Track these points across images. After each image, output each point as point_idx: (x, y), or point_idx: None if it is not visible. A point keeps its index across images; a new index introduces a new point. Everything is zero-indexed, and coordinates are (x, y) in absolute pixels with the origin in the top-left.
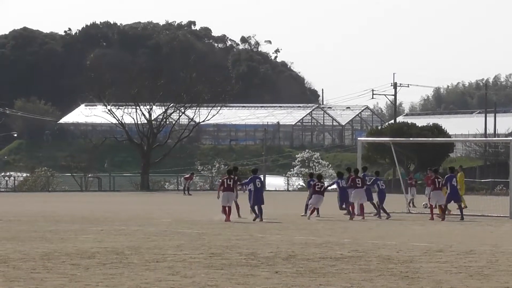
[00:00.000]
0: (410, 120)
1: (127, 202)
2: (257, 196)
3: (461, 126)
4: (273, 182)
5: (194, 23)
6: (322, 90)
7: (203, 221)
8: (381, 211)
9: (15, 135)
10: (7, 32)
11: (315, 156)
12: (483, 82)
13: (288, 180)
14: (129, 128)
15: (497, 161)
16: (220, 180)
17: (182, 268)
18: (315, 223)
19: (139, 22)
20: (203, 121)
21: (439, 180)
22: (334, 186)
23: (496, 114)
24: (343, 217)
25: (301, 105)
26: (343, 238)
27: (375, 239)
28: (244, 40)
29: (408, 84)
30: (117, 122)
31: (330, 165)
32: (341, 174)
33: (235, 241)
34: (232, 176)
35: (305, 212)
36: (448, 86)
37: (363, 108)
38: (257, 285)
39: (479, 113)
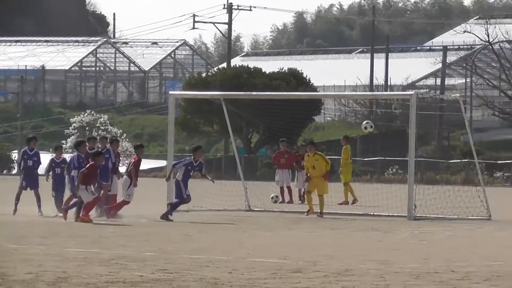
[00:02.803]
0: (252, 63)
1: None
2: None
3: (334, 73)
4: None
5: None
6: (114, 15)
7: None
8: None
9: None
10: None
11: (102, 120)
12: (369, 3)
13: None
14: None
15: (390, 129)
16: None
17: None
18: (105, 226)
19: None
20: None
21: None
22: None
23: (389, 54)
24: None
25: (79, 38)
26: (145, 250)
27: (195, 253)
28: None
29: (250, 7)
30: None
31: (125, 134)
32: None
33: None
34: None
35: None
36: (318, 10)
37: (179, 43)
38: None
39: (362, 52)
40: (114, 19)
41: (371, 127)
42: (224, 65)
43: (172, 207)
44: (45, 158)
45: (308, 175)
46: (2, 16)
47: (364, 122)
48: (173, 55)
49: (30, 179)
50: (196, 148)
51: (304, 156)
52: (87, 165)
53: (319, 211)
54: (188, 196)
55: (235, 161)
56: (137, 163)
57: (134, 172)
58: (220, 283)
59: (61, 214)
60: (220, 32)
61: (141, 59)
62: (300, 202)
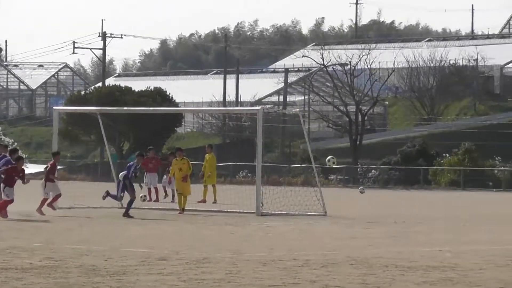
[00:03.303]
0: (124, 82)
1: None
2: None
3: (193, 91)
4: None
5: None
6: (6, 42)
7: None
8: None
9: None
10: None
11: None
12: (222, 32)
13: None
14: None
15: (240, 138)
16: None
17: None
18: (1, 221)
19: None
20: None
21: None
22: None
23: (239, 75)
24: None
25: None
26: (34, 241)
27: (76, 244)
28: None
29: (122, 35)
30: None
31: (16, 143)
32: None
33: None
34: None
35: None
36: (179, 37)
37: (61, 66)
38: None
39: (217, 73)
40: (6, 45)
41: (333, 163)
42: (100, 84)
43: (129, 204)
44: None
45: (171, 177)
46: None
47: (330, 157)
48: (56, 76)
49: None
50: (138, 155)
51: (171, 162)
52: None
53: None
54: (121, 197)
55: (109, 166)
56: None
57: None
58: (97, 269)
59: None
60: (96, 56)
61: (29, 79)
62: (171, 201)
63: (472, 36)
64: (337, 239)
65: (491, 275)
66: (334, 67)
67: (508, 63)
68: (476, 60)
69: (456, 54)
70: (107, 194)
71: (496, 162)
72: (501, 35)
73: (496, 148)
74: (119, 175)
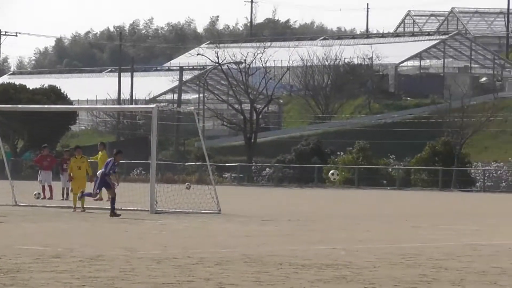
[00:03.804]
0: (18, 80)
1: None
2: None
3: (87, 89)
4: None
5: None
6: None
7: None
8: None
9: None
10: None
11: None
12: (118, 30)
13: None
14: None
15: (135, 136)
16: None
17: None
18: None
19: None
20: None
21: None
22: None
23: (134, 74)
24: None
25: None
26: None
27: None
28: None
29: (16, 33)
30: None
31: None
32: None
33: None
34: None
35: None
36: (74, 36)
37: None
38: None
39: (111, 71)
40: None
41: (338, 174)
42: None
43: (112, 202)
44: None
45: (72, 175)
46: None
47: (333, 171)
48: None
49: None
50: (117, 152)
51: (66, 159)
52: None
53: (81, 206)
54: (96, 193)
55: (3, 163)
56: None
57: None
58: None
59: None
60: None
61: None
62: (62, 198)
63: (367, 35)
64: (231, 237)
65: (384, 273)
66: (229, 66)
67: (402, 62)
68: (371, 58)
69: (351, 52)
70: (81, 194)
71: (390, 160)
72: (395, 34)
73: (390, 147)
74: (97, 173)
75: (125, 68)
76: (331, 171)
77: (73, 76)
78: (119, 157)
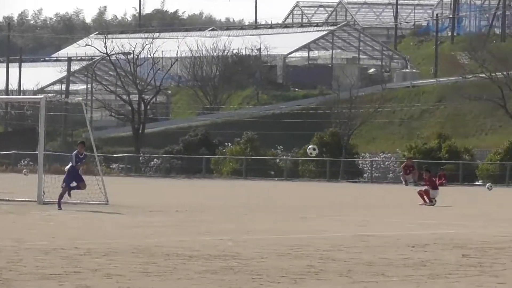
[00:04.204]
0: None
1: None
2: None
3: None
4: None
5: None
6: None
7: None
8: None
9: None
10: None
11: None
12: (6, 20)
13: None
14: None
15: (23, 127)
16: None
17: None
18: None
19: None
20: None
21: None
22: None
23: (22, 64)
24: None
25: None
26: None
27: None
28: None
29: None
30: None
31: None
32: None
33: None
34: None
35: None
36: None
37: None
38: None
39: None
40: None
41: (314, 149)
42: None
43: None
44: None
45: None
46: None
47: (310, 147)
48: None
49: None
50: (79, 142)
51: None
52: None
53: None
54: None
55: None
56: None
57: None
58: None
59: None
60: None
61: None
62: None
63: (255, 26)
64: (119, 227)
65: (272, 263)
66: (117, 56)
67: (290, 53)
68: (259, 49)
69: (239, 43)
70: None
71: (278, 151)
72: (284, 25)
73: (278, 138)
74: (65, 168)
75: (13, 58)
76: (311, 146)
77: None
78: (81, 147)
